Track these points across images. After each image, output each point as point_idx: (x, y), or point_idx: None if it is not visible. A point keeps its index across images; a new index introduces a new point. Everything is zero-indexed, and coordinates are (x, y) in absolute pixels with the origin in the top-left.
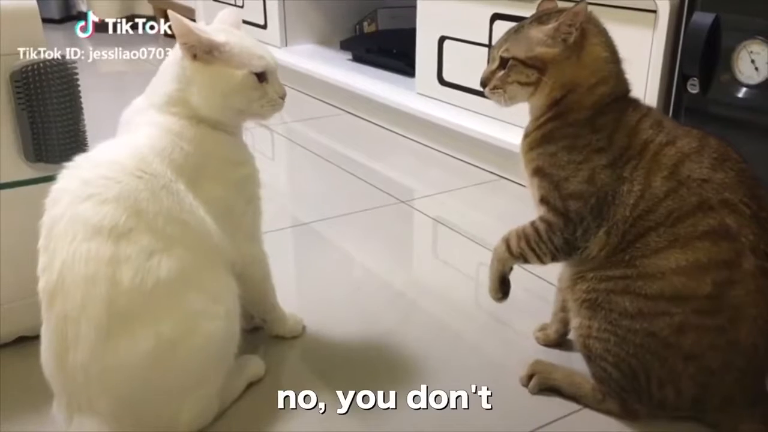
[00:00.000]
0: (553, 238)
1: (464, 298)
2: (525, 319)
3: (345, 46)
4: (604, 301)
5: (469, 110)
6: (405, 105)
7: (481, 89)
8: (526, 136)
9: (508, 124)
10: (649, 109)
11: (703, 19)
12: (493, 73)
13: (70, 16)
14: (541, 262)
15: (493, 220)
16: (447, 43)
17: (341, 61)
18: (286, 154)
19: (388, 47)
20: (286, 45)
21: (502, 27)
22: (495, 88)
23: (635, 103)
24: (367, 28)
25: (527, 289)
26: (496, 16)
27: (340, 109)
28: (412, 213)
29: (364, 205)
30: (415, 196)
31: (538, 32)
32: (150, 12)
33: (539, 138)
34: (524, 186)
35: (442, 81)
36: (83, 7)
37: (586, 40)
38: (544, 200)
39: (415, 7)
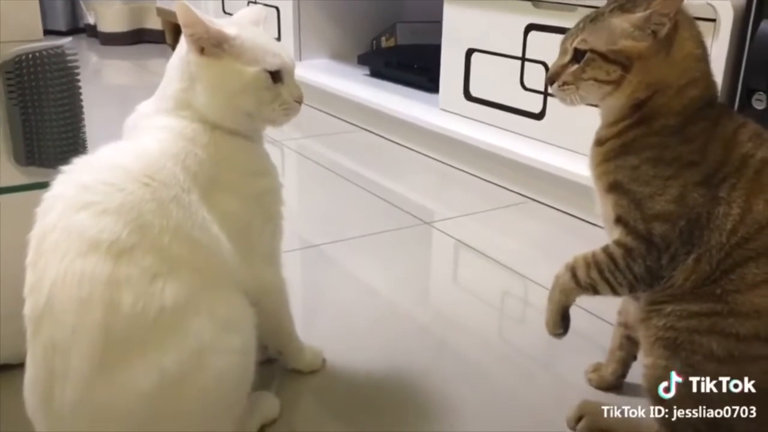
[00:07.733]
0: (633, 266)
1: (492, 331)
2: (565, 356)
3: (363, 60)
4: (686, 341)
5: (498, 127)
6: (427, 121)
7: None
8: (599, 143)
9: (539, 142)
10: (744, 118)
11: None
12: (563, 67)
13: (77, 28)
14: (616, 293)
15: (524, 246)
16: (475, 56)
17: (358, 75)
18: (297, 171)
19: (409, 62)
20: (300, 59)
21: (537, 38)
22: (565, 84)
23: (728, 111)
24: (386, 43)
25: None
26: (531, 27)
27: (355, 125)
28: (433, 235)
29: (381, 226)
30: (436, 218)
31: (623, 21)
32: (158, 26)
33: (618, 147)
34: (557, 209)
35: (468, 96)
36: (91, 20)
37: (677, 33)
38: (621, 221)
39: (436, 22)
